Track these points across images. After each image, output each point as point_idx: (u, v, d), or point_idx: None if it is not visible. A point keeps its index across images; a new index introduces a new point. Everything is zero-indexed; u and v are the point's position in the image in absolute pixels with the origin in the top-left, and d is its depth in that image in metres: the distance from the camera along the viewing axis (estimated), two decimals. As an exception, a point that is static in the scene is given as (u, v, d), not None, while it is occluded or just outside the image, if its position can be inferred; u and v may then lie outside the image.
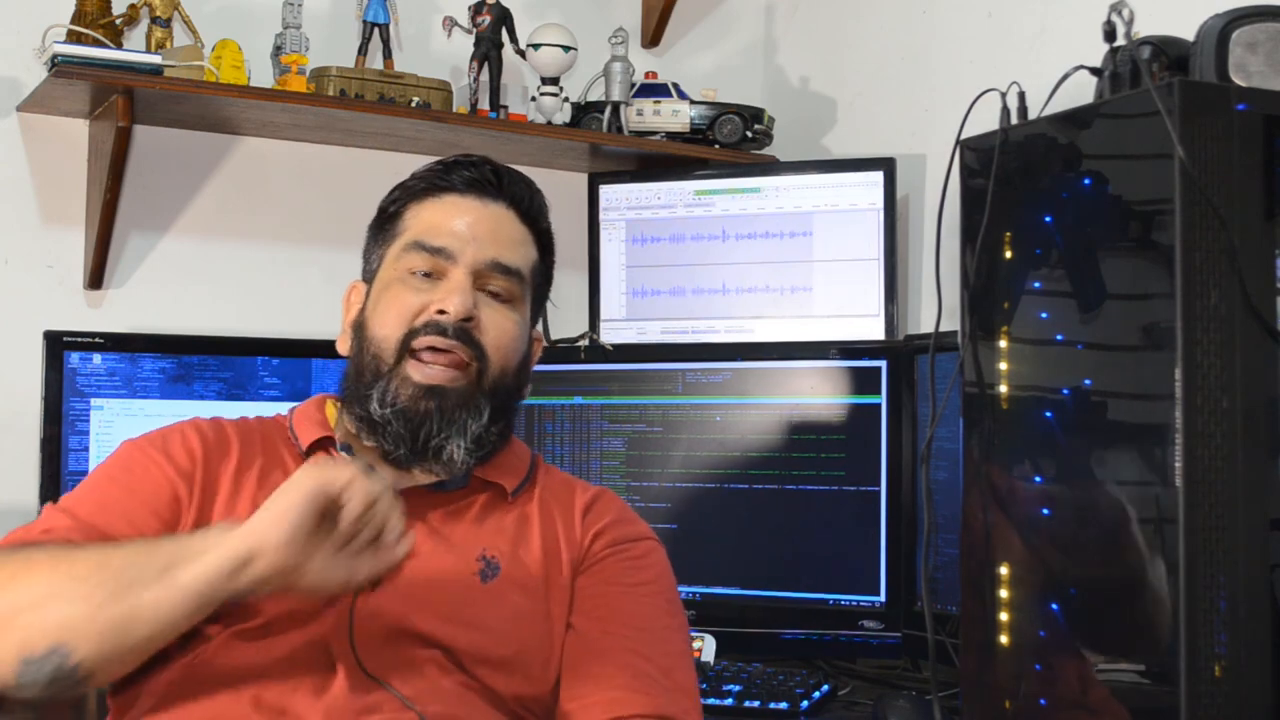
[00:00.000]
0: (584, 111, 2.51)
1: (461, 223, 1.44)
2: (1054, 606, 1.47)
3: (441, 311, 1.40)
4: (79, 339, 2.04)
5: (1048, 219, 1.51)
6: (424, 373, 1.39)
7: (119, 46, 2.12)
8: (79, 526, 1.32)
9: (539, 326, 1.56)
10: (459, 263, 1.42)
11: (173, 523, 1.35)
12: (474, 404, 1.41)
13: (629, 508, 1.52)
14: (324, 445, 1.45)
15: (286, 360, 2.16)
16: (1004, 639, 1.53)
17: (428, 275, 1.43)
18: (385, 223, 1.49)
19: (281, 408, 1.54)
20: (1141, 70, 1.47)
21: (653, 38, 2.73)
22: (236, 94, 2.16)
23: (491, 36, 2.38)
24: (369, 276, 1.50)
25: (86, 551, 1.23)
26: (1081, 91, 1.55)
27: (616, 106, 2.48)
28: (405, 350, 1.40)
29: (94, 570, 1.19)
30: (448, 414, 1.39)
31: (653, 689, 1.34)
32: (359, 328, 1.46)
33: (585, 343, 2.40)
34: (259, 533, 1.17)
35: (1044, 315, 1.51)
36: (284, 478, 1.38)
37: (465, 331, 1.40)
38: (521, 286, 1.46)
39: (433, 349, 1.39)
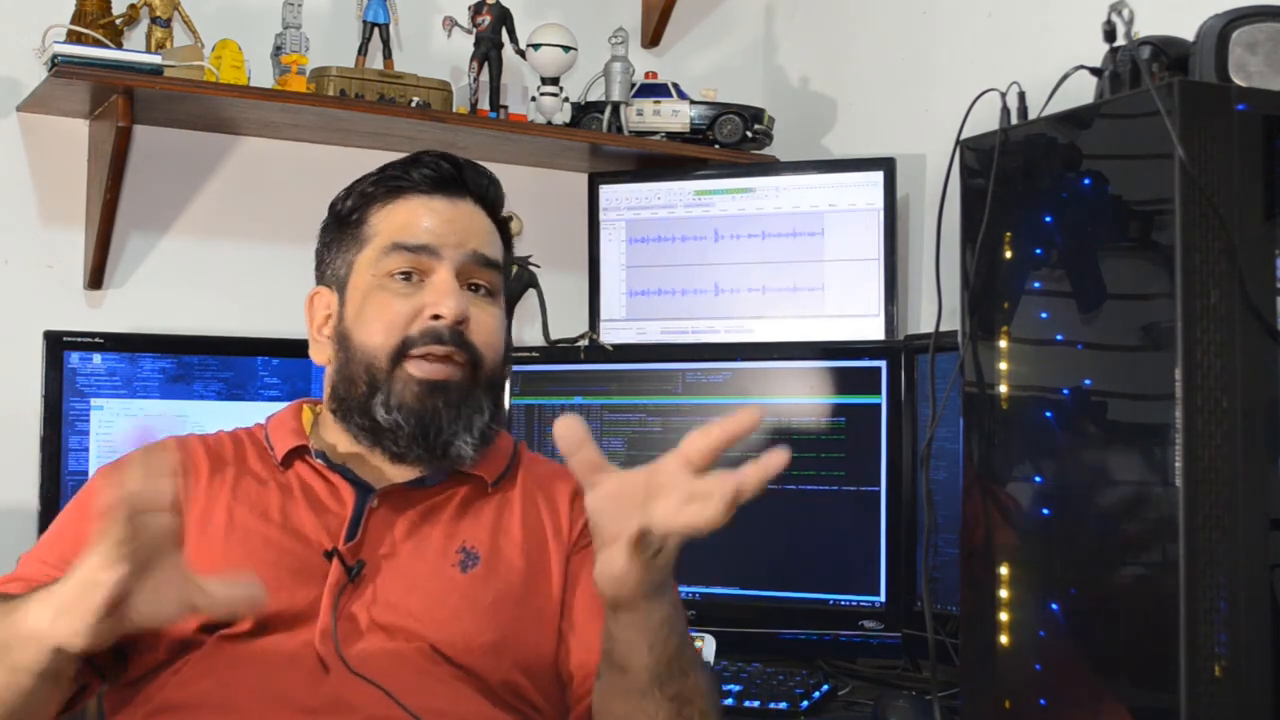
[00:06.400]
0: (584, 111, 2.51)
1: (436, 220, 1.44)
2: (1054, 606, 1.47)
3: (436, 316, 1.39)
4: (79, 339, 2.04)
5: (1048, 219, 1.51)
6: (425, 370, 1.40)
7: (119, 46, 2.12)
8: (48, 569, 1.32)
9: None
10: (443, 259, 1.42)
11: None
12: (475, 400, 1.42)
13: None
14: (300, 454, 1.45)
15: (286, 360, 2.16)
16: (1004, 639, 1.53)
17: (407, 277, 1.42)
18: (346, 228, 1.48)
19: (281, 408, 1.54)
20: (1141, 70, 1.47)
21: (653, 38, 2.73)
22: (236, 94, 2.16)
23: (491, 36, 2.38)
24: (335, 283, 1.48)
25: None
26: (1081, 91, 1.55)
27: (616, 106, 2.48)
28: (401, 356, 1.40)
29: None
30: (454, 409, 1.40)
31: None
32: (343, 338, 1.44)
33: (585, 343, 2.40)
34: (60, 631, 1.10)
35: (1044, 315, 1.51)
36: (256, 486, 1.39)
37: (460, 335, 1.40)
38: (499, 278, 1.48)
39: (429, 354, 1.40)
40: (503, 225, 1.52)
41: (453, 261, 1.42)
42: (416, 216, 1.44)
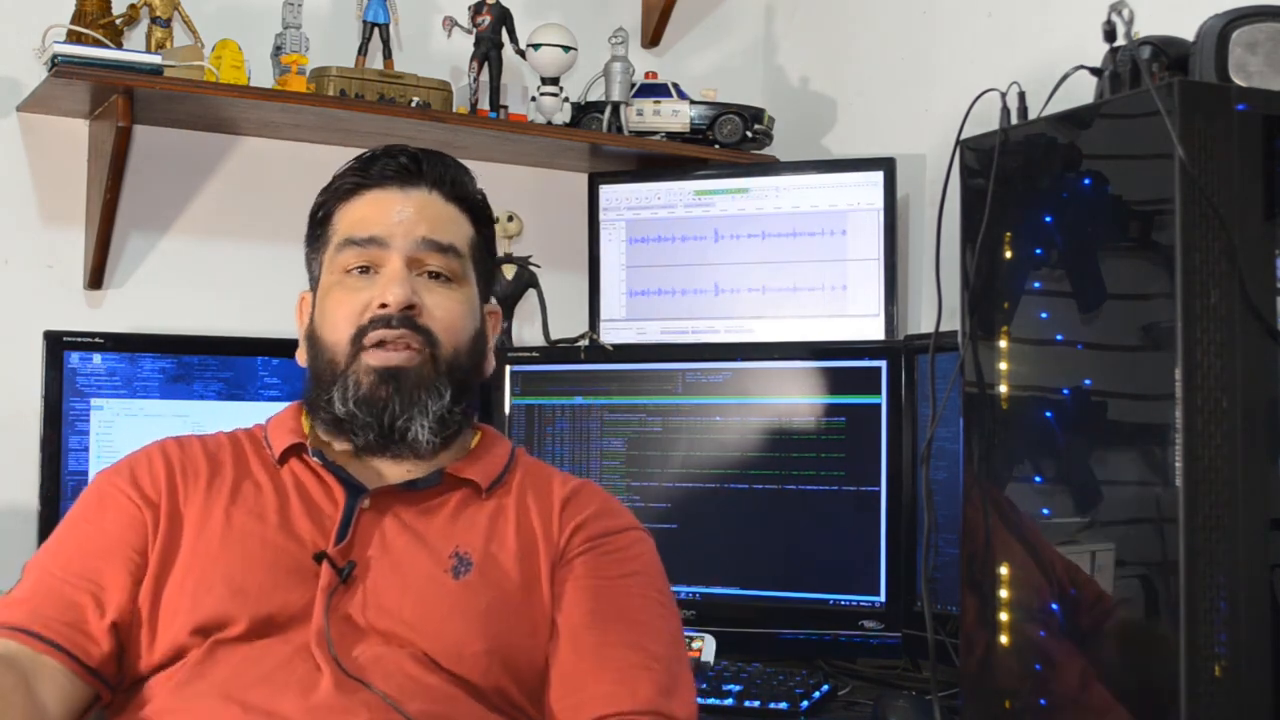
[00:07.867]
0: (584, 111, 2.51)
1: (387, 211, 1.45)
2: (1054, 606, 1.47)
3: (383, 305, 1.41)
4: (79, 339, 2.04)
5: (1048, 219, 1.51)
6: (379, 357, 1.41)
7: (119, 46, 2.12)
8: (57, 583, 1.34)
9: (493, 302, 1.57)
10: (391, 248, 1.43)
11: (144, 550, 1.36)
12: (432, 385, 1.42)
13: (613, 499, 1.51)
14: (296, 451, 1.45)
15: (286, 360, 2.14)
16: (1004, 639, 1.53)
17: (364, 271, 1.44)
18: (316, 228, 1.51)
19: (280, 408, 1.54)
20: (1141, 70, 1.47)
21: (653, 38, 2.73)
22: (236, 94, 2.16)
23: (491, 36, 2.38)
24: (314, 285, 1.52)
25: None
26: (1081, 91, 1.55)
27: (616, 106, 2.48)
28: (357, 348, 1.42)
29: None
30: (407, 394, 1.41)
31: (643, 683, 1.33)
32: (311, 337, 1.48)
33: (585, 343, 2.40)
34: None
35: (1044, 315, 1.51)
36: (254, 489, 1.40)
37: (410, 320, 1.41)
38: (461, 263, 1.47)
39: (383, 341, 1.41)
40: (476, 210, 1.51)
41: (402, 251, 1.43)
42: (369, 211, 1.46)
